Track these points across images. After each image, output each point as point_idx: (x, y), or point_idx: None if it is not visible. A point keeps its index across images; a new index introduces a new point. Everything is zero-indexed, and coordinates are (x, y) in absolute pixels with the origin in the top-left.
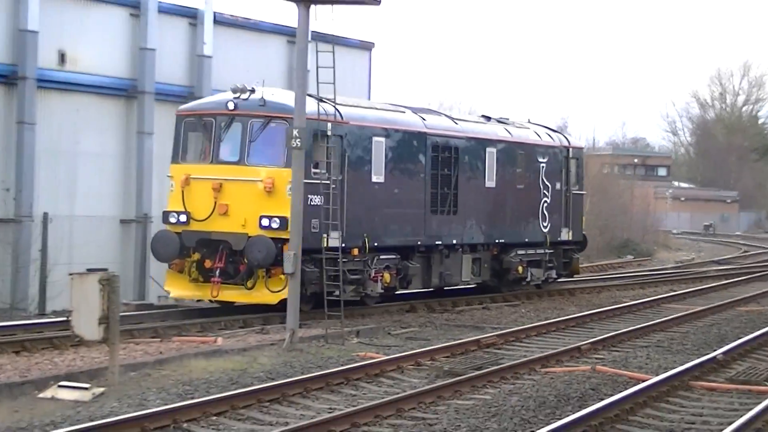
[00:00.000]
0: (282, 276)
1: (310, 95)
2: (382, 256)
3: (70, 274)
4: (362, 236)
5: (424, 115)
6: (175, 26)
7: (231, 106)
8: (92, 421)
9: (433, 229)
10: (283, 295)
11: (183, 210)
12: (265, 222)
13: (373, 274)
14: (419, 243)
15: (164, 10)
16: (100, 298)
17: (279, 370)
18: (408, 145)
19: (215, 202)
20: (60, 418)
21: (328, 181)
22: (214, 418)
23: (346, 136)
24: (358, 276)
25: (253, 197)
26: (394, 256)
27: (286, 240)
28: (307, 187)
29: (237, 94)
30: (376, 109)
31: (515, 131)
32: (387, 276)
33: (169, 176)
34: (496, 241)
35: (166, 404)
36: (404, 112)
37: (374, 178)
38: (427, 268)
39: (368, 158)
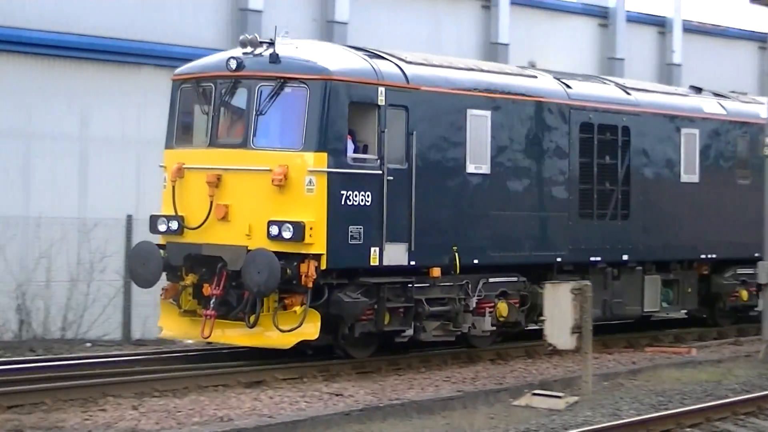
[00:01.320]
0: (298, 308)
1: (351, 48)
2: (492, 279)
3: (544, 283)
4: (449, 250)
5: (569, 82)
6: (643, 35)
7: (233, 65)
8: (566, 429)
9: (584, 240)
10: (298, 336)
11: (174, 214)
12: (273, 230)
13: (476, 305)
14: (559, 260)
15: (632, 19)
16: (572, 308)
17: (754, 383)
18: (536, 123)
19: (211, 202)
20: (535, 426)
21: (379, 171)
22: (688, 430)
23: (414, 107)
24: (447, 307)
25: (261, 194)
26: (514, 279)
27: (304, 256)
28: (336, 179)
29: (245, 48)
30: (475, 70)
31: (733, 106)
32: (503, 306)
33: (161, 166)
34: (704, 256)
35: (639, 414)
36: (535, 77)
37: (471, 168)
38: None
39: (458, 139)
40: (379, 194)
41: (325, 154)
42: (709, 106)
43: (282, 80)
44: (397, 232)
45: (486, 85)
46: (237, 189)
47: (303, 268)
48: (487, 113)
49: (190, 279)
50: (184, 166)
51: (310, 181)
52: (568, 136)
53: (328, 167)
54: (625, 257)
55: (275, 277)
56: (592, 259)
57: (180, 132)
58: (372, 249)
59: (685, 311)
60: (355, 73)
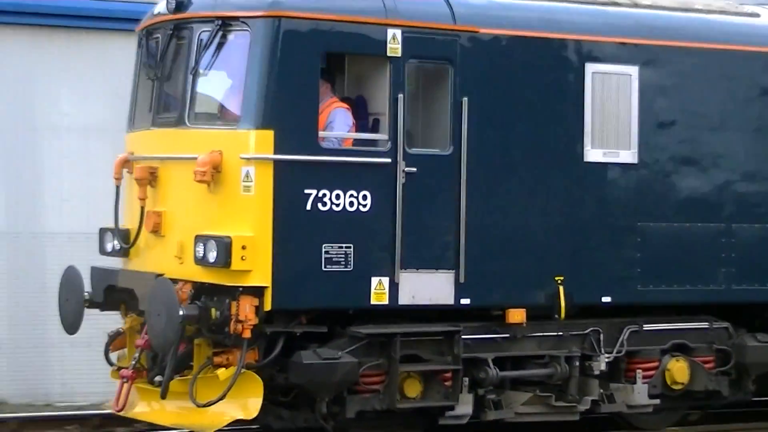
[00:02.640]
0: (222, 372)
1: None
2: (652, 326)
3: None
4: (545, 282)
5: None
6: None
7: (172, 3)
8: None
9: None
10: (221, 417)
11: (115, 225)
12: (199, 250)
13: (627, 367)
14: None
15: None
16: None
17: None
18: (743, 85)
19: (142, 208)
20: None
21: (386, 159)
22: None
23: (467, 61)
24: (549, 370)
25: (196, 196)
26: (703, 326)
27: (233, 289)
28: (294, 171)
29: None
30: (604, 4)
31: None
32: (678, 367)
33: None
34: None
35: None
36: (757, 15)
37: (596, 155)
38: None
39: (565, 111)
40: (389, 194)
41: (271, 133)
42: None
43: (220, 21)
44: (428, 253)
45: (631, 22)
46: (171, 188)
47: (234, 308)
48: (632, 70)
49: (128, 322)
50: (132, 156)
51: (248, 175)
52: None
53: (275, 152)
54: None
55: (173, 325)
56: None
57: (138, 107)
58: (373, 280)
59: None
60: (335, 5)
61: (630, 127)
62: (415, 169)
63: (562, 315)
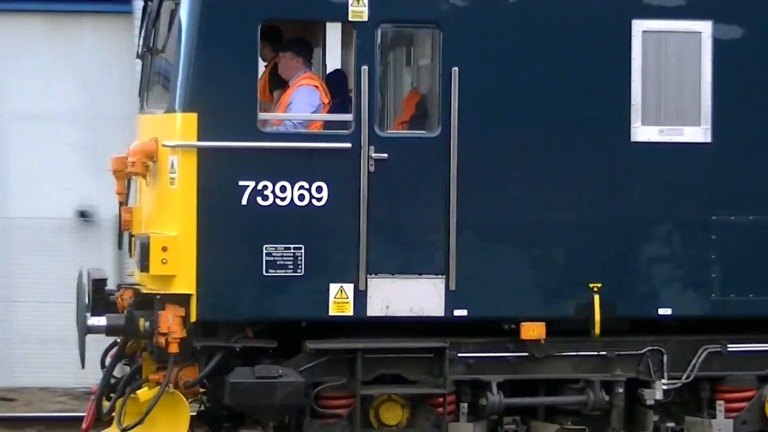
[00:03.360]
0: (143, 392)
1: None
2: (738, 346)
3: None
4: (576, 290)
5: None
6: None
7: None
8: None
9: None
10: None
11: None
12: (135, 251)
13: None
14: None
15: None
16: None
17: None
18: None
19: (120, 204)
20: None
21: (347, 144)
22: None
23: (459, 22)
24: (579, 397)
25: (144, 189)
26: None
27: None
28: (222, 160)
29: None
30: None
31: None
32: None
33: None
34: None
35: None
36: None
37: (648, 133)
38: None
39: (603, 79)
40: (351, 185)
41: (195, 116)
42: None
43: None
44: (407, 255)
45: None
46: (141, 183)
47: (162, 315)
48: (703, 27)
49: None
50: None
51: (172, 165)
52: None
53: (199, 139)
54: None
55: (80, 335)
56: None
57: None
58: (332, 287)
59: None
60: None
61: (701, 98)
62: (386, 156)
63: (597, 330)
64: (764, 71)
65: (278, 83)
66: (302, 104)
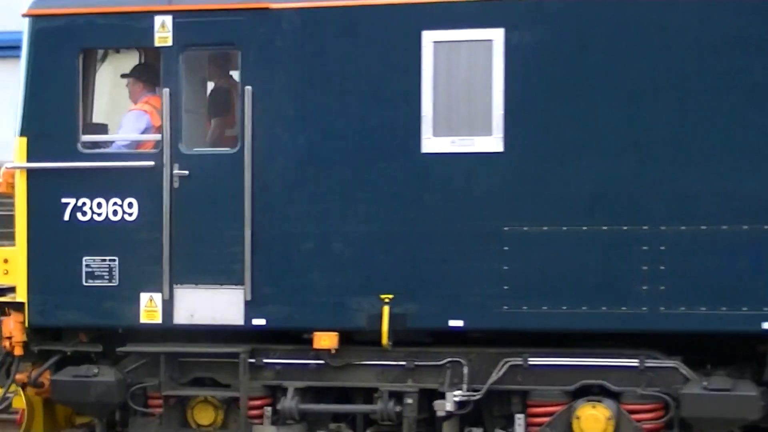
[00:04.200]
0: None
1: None
2: (541, 360)
3: None
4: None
5: None
6: None
7: None
8: None
9: None
10: None
11: None
12: None
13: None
14: None
15: None
16: None
17: None
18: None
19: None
20: None
21: (150, 162)
22: None
23: (255, 43)
24: (375, 407)
25: None
26: (634, 363)
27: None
28: (47, 180)
29: None
30: None
31: None
32: (589, 416)
33: None
34: None
35: None
36: None
37: (435, 144)
38: None
39: (395, 92)
40: (156, 201)
41: (25, 140)
42: None
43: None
44: (209, 267)
45: None
46: None
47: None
48: (495, 34)
49: None
50: None
51: (15, 185)
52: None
53: (28, 160)
54: None
55: None
56: None
57: None
58: (143, 296)
59: None
60: None
61: (492, 107)
62: (187, 172)
63: (384, 341)
64: (556, 79)
65: (218, 109)
66: (128, 128)
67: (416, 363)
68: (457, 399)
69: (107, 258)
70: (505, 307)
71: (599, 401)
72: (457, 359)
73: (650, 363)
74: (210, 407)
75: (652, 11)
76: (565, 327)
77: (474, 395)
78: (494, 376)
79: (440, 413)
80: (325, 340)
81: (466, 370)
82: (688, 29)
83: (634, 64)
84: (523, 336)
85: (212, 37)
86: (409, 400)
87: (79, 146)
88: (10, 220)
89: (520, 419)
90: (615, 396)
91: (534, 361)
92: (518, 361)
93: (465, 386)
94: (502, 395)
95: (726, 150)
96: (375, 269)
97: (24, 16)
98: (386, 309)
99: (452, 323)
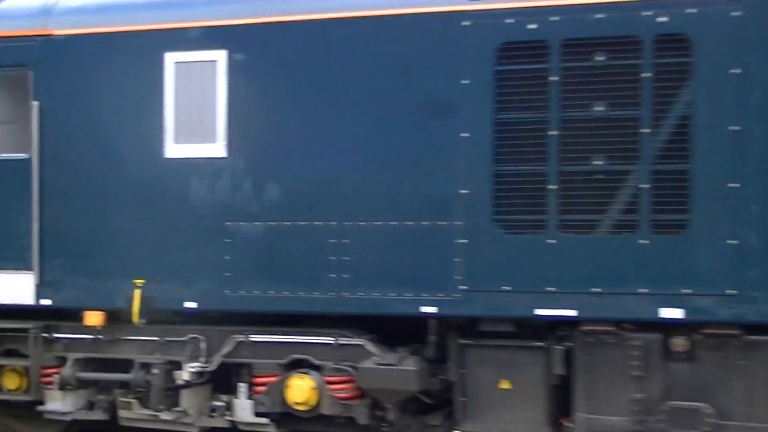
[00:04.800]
0: None
1: None
2: (260, 337)
3: None
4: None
5: None
6: None
7: None
8: None
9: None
10: None
11: None
12: None
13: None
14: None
15: None
16: None
17: None
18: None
19: None
20: None
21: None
22: None
23: (44, 65)
24: (128, 375)
25: None
26: (329, 341)
27: None
28: None
29: None
30: None
31: None
32: (296, 386)
33: None
34: None
35: None
36: None
37: (175, 150)
38: None
39: (142, 106)
40: None
41: None
42: None
43: None
44: (7, 255)
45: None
46: None
47: None
48: (219, 55)
49: None
50: None
51: None
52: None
53: None
54: None
55: None
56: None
57: None
58: None
59: None
60: None
61: (217, 118)
62: None
63: (134, 319)
64: (267, 94)
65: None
66: None
67: (166, 339)
68: (193, 370)
69: None
70: (227, 292)
71: (307, 373)
72: (196, 336)
73: (342, 341)
74: (16, 374)
75: (340, 32)
76: (271, 309)
77: (207, 366)
78: (224, 350)
79: (178, 382)
80: (93, 318)
81: (203, 345)
82: (369, 48)
83: (325, 80)
84: (263, 317)
85: (10, 59)
86: (155, 371)
87: None
88: None
89: (242, 388)
90: (320, 369)
91: (255, 338)
92: (242, 338)
93: (203, 359)
94: (239, 367)
95: (397, 156)
96: (129, 258)
97: None
98: (137, 292)
99: (187, 305)
